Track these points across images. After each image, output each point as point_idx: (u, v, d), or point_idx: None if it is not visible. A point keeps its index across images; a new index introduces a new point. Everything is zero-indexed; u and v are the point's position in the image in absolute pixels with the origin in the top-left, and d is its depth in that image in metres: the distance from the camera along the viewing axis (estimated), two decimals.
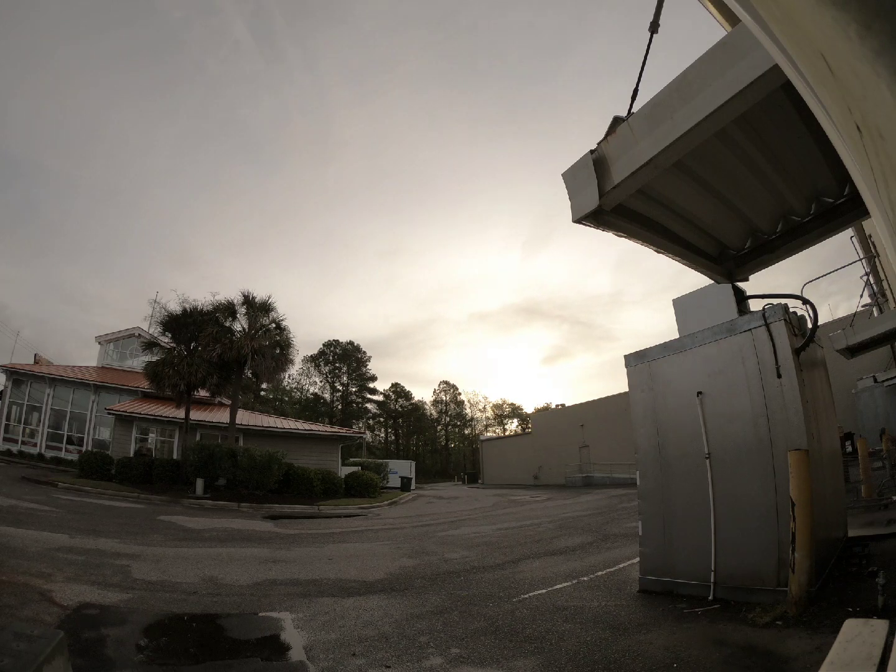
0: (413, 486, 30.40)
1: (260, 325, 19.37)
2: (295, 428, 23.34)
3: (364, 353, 67.45)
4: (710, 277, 5.57)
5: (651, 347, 5.90)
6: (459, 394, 73.53)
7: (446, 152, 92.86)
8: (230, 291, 23.70)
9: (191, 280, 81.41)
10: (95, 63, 70.08)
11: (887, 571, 3.81)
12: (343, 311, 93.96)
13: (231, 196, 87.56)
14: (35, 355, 26.72)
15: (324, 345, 66.10)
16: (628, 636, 4.13)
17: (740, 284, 5.59)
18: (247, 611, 4.97)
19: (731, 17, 3.24)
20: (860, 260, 14.44)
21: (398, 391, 69.19)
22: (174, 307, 18.81)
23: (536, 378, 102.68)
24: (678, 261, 5.12)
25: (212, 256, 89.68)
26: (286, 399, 61.22)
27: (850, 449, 12.98)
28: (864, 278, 15.64)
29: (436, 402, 72.67)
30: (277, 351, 19.03)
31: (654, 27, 3.50)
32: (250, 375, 19.52)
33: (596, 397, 35.45)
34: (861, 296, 16.10)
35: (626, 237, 4.33)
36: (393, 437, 70.25)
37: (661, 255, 4.76)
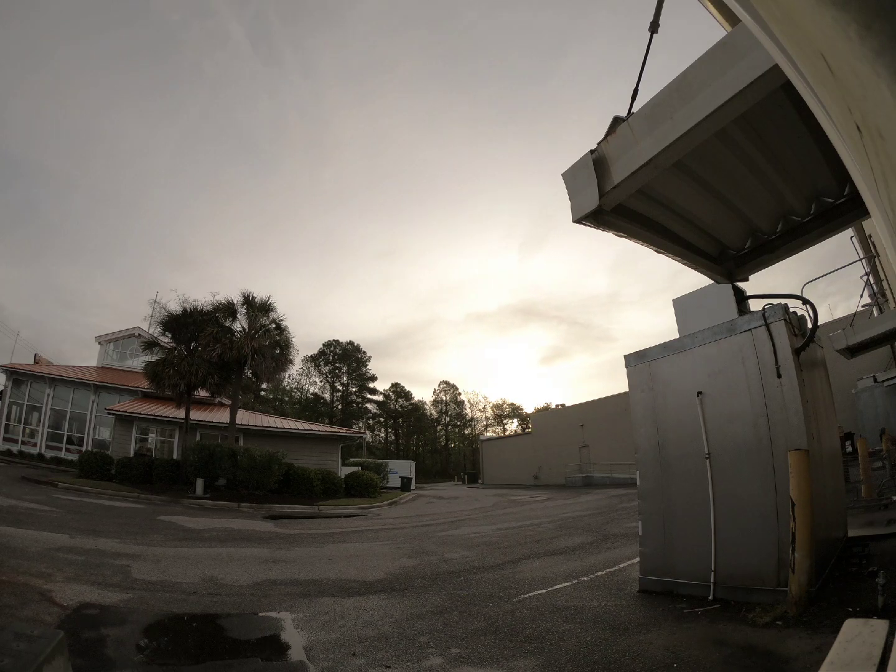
0: (413, 486, 30.39)
1: (260, 325, 19.37)
2: (295, 428, 23.34)
3: (364, 353, 67.53)
4: (710, 277, 5.58)
5: (651, 347, 5.90)
6: (459, 394, 73.66)
7: (445, 152, 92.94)
8: (230, 292, 23.71)
9: (191, 280, 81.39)
10: (95, 63, 70.21)
11: (887, 571, 3.81)
12: (343, 311, 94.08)
13: (231, 196, 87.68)
14: (35, 355, 26.72)
15: (324, 345, 66.21)
16: (628, 636, 4.13)
17: (740, 284, 5.59)
18: (247, 611, 4.97)
19: (731, 17, 3.24)
20: (860, 260, 14.44)
21: (398, 391, 69.22)
22: (174, 307, 18.85)
23: (536, 378, 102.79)
24: (678, 261, 5.12)
25: (211, 257, 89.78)
26: (286, 399, 61.23)
27: (850, 449, 12.98)
28: (864, 278, 15.65)
29: (436, 402, 72.73)
30: (277, 351, 19.04)
31: (654, 27, 3.50)
32: (250, 375, 19.52)
33: (596, 397, 35.51)
34: (861, 296, 16.13)
35: (626, 237, 4.33)
36: (393, 437, 70.25)
37: (660, 255, 4.76)
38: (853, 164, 0.76)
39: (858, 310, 15.90)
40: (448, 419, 72.70)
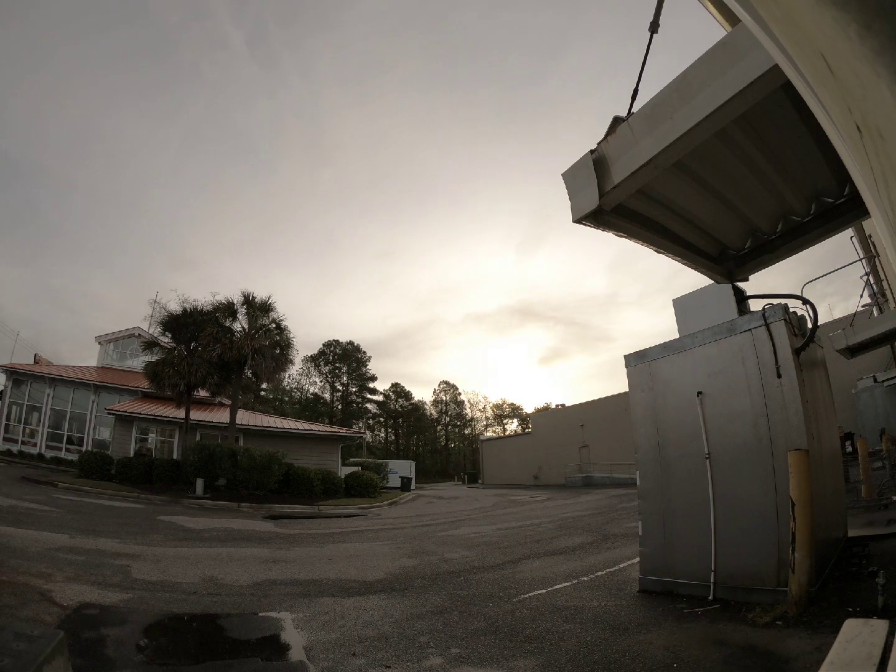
0: (413, 486, 30.39)
1: (260, 325, 19.38)
2: (295, 428, 23.34)
3: (364, 353, 67.52)
4: (710, 277, 5.58)
5: (651, 347, 5.90)
6: (459, 394, 73.66)
7: (445, 152, 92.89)
8: (230, 292, 23.71)
9: (191, 280, 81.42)
10: (95, 63, 70.17)
11: (887, 571, 3.81)
12: (343, 311, 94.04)
13: (230, 196, 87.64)
14: (35, 355, 26.72)
15: (324, 345, 66.19)
16: (628, 636, 4.13)
17: (740, 284, 5.59)
18: (247, 611, 4.97)
19: (731, 17, 3.24)
20: (860, 260, 14.44)
21: (398, 391, 69.22)
22: (174, 307, 18.87)
23: (536, 378, 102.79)
24: (678, 261, 5.12)
25: (211, 257, 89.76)
26: (286, 399, 61.22)
27: (850, 449, 12.97)
28: (864, 278, 15.64)
29: (436, 402, 72.72)
30: (277, 351, 19.04)
31: (654, 27, 3.50)
32: (250, 375, 19.52)
33: (595, 397, 35.51)
34: (861, 296, 16.12)
35: (626, 237, 4.33)
36: (393, 437, 70.25)
37: (660, 255, 4.76)
38: (853, 164, 0.76)
39: (858, 310, 15.90)
40: (448, 419, 72.70)
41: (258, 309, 19.29)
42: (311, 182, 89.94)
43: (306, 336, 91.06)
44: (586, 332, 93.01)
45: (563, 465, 33.63)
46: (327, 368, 66.21)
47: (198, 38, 73.66)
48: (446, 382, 73.43)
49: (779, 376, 4.64)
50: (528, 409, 70.24)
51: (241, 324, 19.45)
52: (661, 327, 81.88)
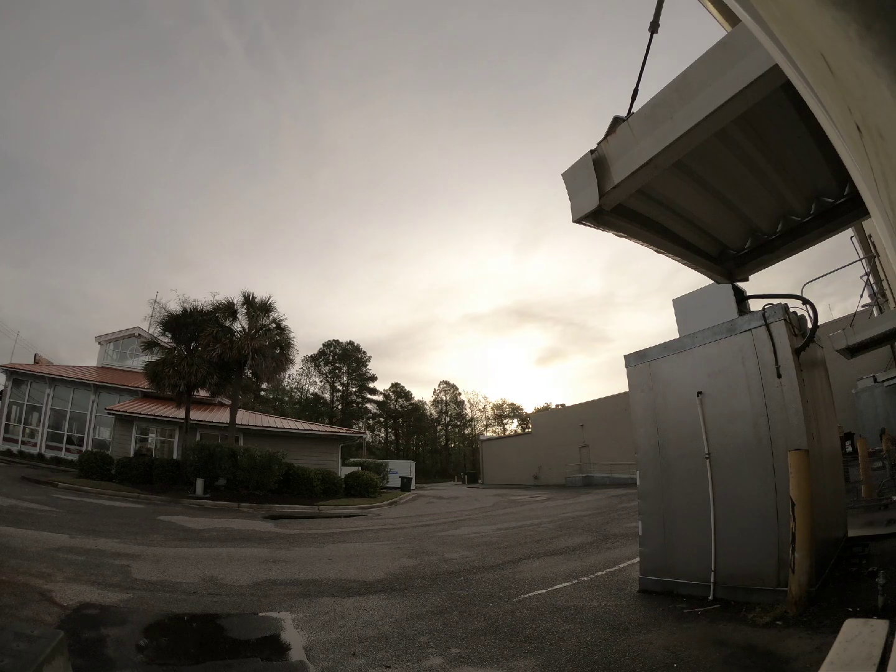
0: (413, 486, 30.39)
1: (260, 325, 19.38)
2: (295, 428, 23.34)
3: (364, 353, 67.50)
4: (710, 277, 5.57)
5: (651, 347, 5.90)
6: (459, 394, 73.65)
7: (444, 152, 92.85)
8: (230, 292, 23.76)
9: (190, 281, 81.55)
10: (94, 64, 70.12)
11: (887, 571, 3.81)
12: (342, 312, 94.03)
13: (230, 197, 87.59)
14: (35, 355, 26.72)
15: (324, 345, 66.18)
16: (628, 636, 4.13)
17: (740, 284, 5.59)
18: (247, 611, 4.97)
19: (731, 17, 3.24)
20: (860, 260, 14.43)
21: (398, 391, 69.21)
22: (174, 307, 18.87)
23: (535, 378, 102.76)
24: (678, 261, 5.12)
25: (211, 257, 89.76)
26: (286, 399, 61.21)
27: (850, 449, 12.97)
28: (864, 278, 15.64)
29: (436, 402, 72.72)
30: (277, 351, 19.04)
31: (654, 27, 3.49)
32: (250, 375, 19.52)
33: (595, 397, 35.52)
34: (861, 296, 16.12)
35: (626, 237, 4.33)
36: (393, 437, 70.24)
37: (660, 255, 4.75)
38: (853, 164, 0.76)
39: (858, 310, 15.89)
40: (448, 419, 72.69)
41: (258, 309, 19.29)
42: (310, 183, 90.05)
43: (306, 336, 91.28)
44: (584, 333, 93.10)
45: (563, 465, 33.63)
46: (327, 368, 66.22)
47: (194, 40, 73.73)
48: (446, 382, 73.53)
49: (779, 376, 4.64)
50: (528, 409, 70.36)
51: (241, 324, 19.47)
52: (658, 328, 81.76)
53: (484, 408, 75.40)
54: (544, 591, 5.72)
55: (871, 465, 9.83)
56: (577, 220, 3.94)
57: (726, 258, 5.57)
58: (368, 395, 68.11)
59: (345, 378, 66.55)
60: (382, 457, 48.24)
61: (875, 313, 16.89)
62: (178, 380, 17.45)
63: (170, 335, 18.77)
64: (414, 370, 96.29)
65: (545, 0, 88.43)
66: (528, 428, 48.51)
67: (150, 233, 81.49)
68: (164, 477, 16.81)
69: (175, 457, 19.62)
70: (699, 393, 5.24)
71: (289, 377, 57.34)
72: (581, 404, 37.11)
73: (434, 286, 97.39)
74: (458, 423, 73.22)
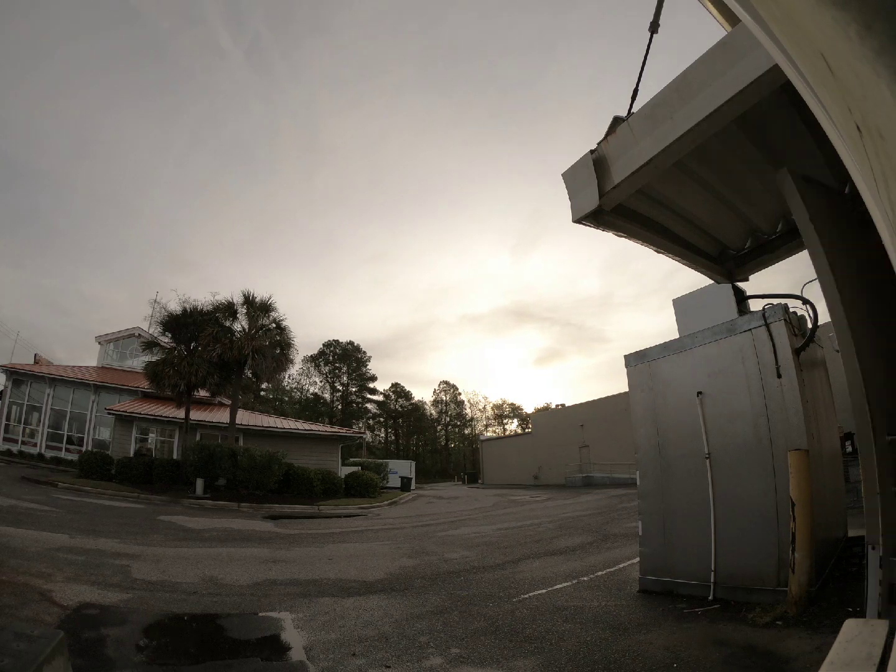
0: (413, 486, 30.39)
1: (260, 325, 19.38)
2: (295, 428, 23.34)
3: (364, 353, 67.50)
4: (710, 277, 5.58)
5: (651, 347, 5.90)
6: (459, 394, 73.64)
7: (443, 153, 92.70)
8: (230, 292, 23.75)
9: (190, 281, 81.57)
10: (94, 64, 70.09)
11: None
12: (342, 312, 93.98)
13: (230, 197, 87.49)
14: (35, 355, 26.73)
15: (324, 345, 66.17)
16: (628, 636, 4.13)
17: (740, 284, 5.59)
18: (247, 611, 4.97)
19: (731, 17, 3.23)
20: None
21: (398, 391, 69.21)
22: (174, 307, 18.87)
23: (535, 378, 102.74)
24: (678, 261, 5.12)
25: (211, 258, 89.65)
26: (286, 399, 61.21)
27: (850, 449, 12.97)
28: None
29: (436, 402, 72.72)
30: (277, 351, 19.04)
31: (654, 27, 3.50)
32: (250, 375, 19.53)
33: (594, 397, 35.51)
34: None
35: (626, 237, 4.33)
36: (393, 437, 70.24)
37: (660, 254, 4.76)
38: (853, 164, 0.76)
39: None
40: (448, 419, 72.69)
41: (258, 309, 19.29)
42: (309, 183, 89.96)
43: (306, 336, 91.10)
44: (582, 333, 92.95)
45: (563, 465, 33.62)
46: (327, 368, 66.23)
47: (192, 43, 73.59)
48: (446, 382, 73.53)
49: (779, 376, 4.64)
50: (528, 409, 70.34)
51: (241, 324, 19.47)
52: (657, 328, 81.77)
53: (484, 408, 75.49)
54: (544, 591, 5.72)
55: None
56: (577, 220, 3.94)
57: (726, 258, 5.57)
58: (368, 395, 68.17)
59: (345, 378, 66.58)
60: (382, 457, 48.25)
61: None
62: (178, 380, 17.45)
63: (170, 335, 18.76)
64: (414, 370, 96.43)
65: (545, 0, 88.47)
66: (528, 428, 48.51)
67: (150, 233, 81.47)
68: (164, 477, 16.81)
69: (175, 457, 19.62)
70: (699, 393, 5.24)
71: (289, 377, 57.41)
72: (581, 404, 37.10)
73: (433, 286, 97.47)
74: (458, 423, 73.23)
